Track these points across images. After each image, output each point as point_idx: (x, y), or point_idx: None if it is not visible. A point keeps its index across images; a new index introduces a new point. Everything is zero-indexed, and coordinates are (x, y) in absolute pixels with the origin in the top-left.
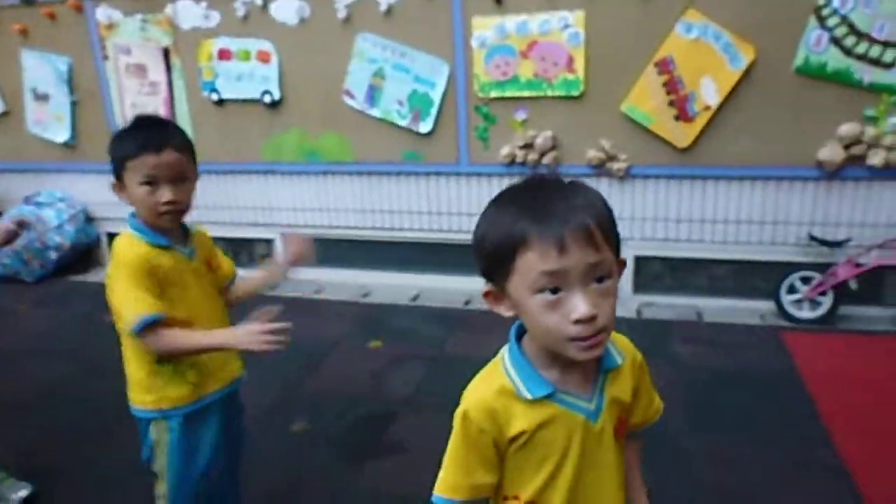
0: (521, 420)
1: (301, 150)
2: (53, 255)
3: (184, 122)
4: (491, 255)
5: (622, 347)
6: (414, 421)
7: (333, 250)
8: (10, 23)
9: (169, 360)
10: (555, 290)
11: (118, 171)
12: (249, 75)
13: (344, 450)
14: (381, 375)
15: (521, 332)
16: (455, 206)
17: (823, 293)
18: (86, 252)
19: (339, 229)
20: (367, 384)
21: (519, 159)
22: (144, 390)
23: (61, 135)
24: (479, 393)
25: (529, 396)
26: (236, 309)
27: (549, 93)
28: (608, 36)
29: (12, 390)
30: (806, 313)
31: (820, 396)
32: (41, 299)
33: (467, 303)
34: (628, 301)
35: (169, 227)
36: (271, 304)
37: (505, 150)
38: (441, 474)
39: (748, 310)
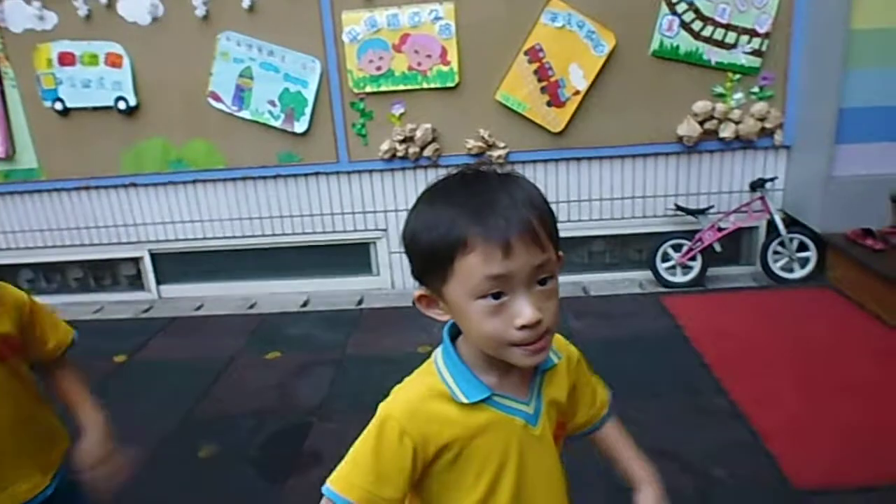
0: (453, 427)
1: (165, 160)
2: None
3: (23, 135)
4: (425, 257)
5: (558, 346)
6: (330, 427)
7: (210, 263)
8: None
9: None
10: (497, 295)
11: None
12: (99, 81)
13: (262, 469)
14: (286, 386)
15: (454, 333)
16: (338, 206)
17: (693, 258)
18: None
19: (215, 240)
20: (273, 397)
21: (400, 153)
22: None
23: None
24: (407, 395)
25: (466, 400)
26: None
27: (425, 85)
28: (479, 27)
29: None
30: (679, 278)
31: (705, 350)
32: None
33: (360, 302)
34: None
35: None
36: (143, 331)
37: (385, 146)
38: (340, 467)
39: (629, 280)
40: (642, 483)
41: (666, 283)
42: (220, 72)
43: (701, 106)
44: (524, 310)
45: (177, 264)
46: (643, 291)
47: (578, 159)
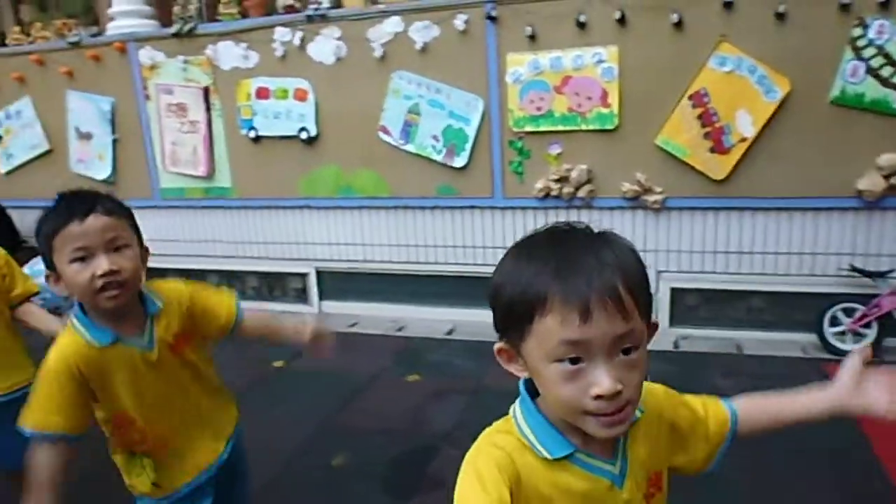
0: (539, 482)
1: (337, 186)
2: None
3: (222, 157)
4: (505, 311)
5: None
6: (455, 455)
7: (368, 284)
8: (57, 65)
9: (132, 456)
10: (574, 360)
11: (48, 258)
12: (287, 113)
13: (386, 485)
14: (421, 409)
15: (533, 386)
16: (490, 240)
17: (867, 325)
18: None
19: (374, 263)
20: (407, 418)
21: (554, 193)
22: (125, 475)
23: (102, 172)
24: (491, 441)
25: (548, 456)
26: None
27: (584, 127)
28: (642, 70)
29: None
30: (850, 345)
31: (870, 427)
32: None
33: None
34: (665, 334)
35: (112, 309)
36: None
37: (539, 184)
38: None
39: (789, 342)
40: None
41: (833, 350)
42: (391, 107)
43: (888, 159)
44: (602, 380)
45: (338, 282)
46: (805, 356)
47: (741, 209)
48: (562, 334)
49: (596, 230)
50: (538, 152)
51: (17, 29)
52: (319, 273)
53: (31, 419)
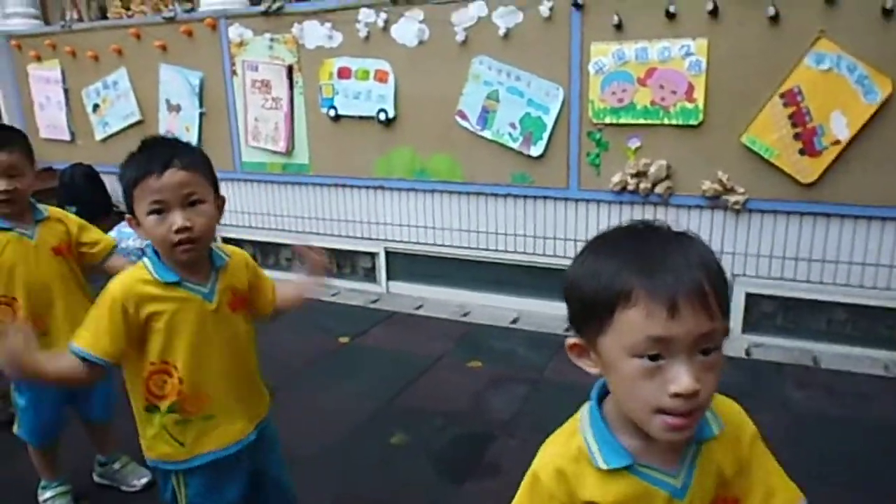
0: (594, 490)
1: (411, 168)
2: None
3: (301, 135)
4: (584, 304)
5: (723, 413)
6: (513, 444)
7: (436, 267)
8: (152, 39)
9: (152, 411)
10: (655, 357)
11: (129, 203)
12: (366, 94)
13: (443, 466)
14: (481, 395)
15: (603, 393)
16: (562, 231)
17: None
18: None
19: (444, 247)
20: (467, 403)
21: (630, 187)
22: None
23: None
24: (552, 453)
25: (605, 466)
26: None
27: (666, 121)
28: (731, 65)
29: None
30: None
31: None
32: None
33: (567, 329)
34: (736, 340)
35: (185, 261)
36: (368, 319)
37: (616, 178)
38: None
39: (870, 358)
40: None
41: None
42: (470, 93)
43: None
44: (682, 377)
45: (406, 263)
46: (886, 374)
47: (828, 215)
48: (647, 329)
49: (676, 230)
50: (617, 145)
51: (117, 3)
52: (389, 253)
53: (82, 339)
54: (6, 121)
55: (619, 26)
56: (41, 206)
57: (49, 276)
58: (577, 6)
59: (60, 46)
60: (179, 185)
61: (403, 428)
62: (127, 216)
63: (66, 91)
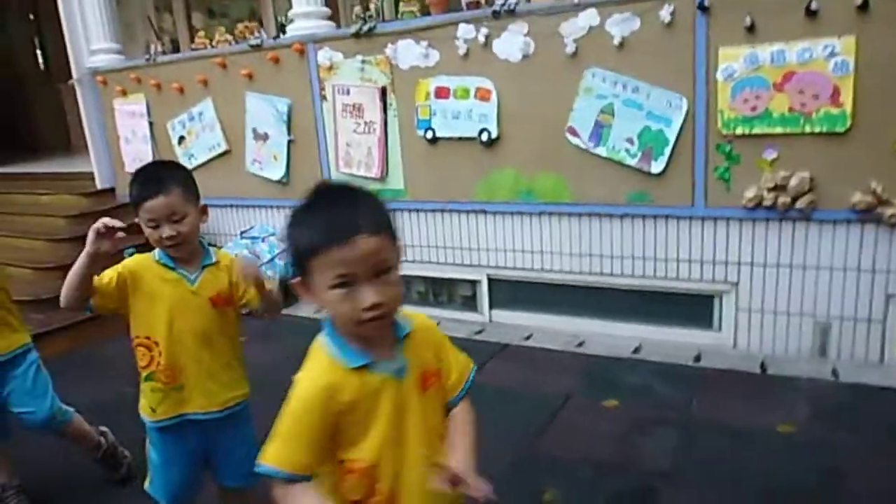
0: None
1: (515, 190)
2: None
3: (395, 159)
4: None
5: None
6: (680, 499)
7: (543, 294)
8: (238, 68)
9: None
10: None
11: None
12: (467, 113)
13: None
14: (628, 440)
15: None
16: (685, 252)
17: None
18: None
19: (552, 272)
20: (614, 450)
21: (767, 203)
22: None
23: (276, 173)
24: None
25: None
26: None
27: (807, 129)
28: (885, 65)
29: None
30: None
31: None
32: (259, 331)
33: (698, 359)
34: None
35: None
36: (479, 353)
37: (750, 193)
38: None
39: None
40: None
41: None
42: (582, 107)
43: None
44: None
45: (511, 291)
46: None
47: None
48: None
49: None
50: (750, 157)
51: (201, 34)
52: (491, 280)
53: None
54: (92, 156)
55: (751, 28)
56: (212, 250)
57: (200, 328)
58: (703, 9)
59: (145, 80)
60: (368, 253)
61: (553, 482)
62: (293, 281)
63: (150, 124)
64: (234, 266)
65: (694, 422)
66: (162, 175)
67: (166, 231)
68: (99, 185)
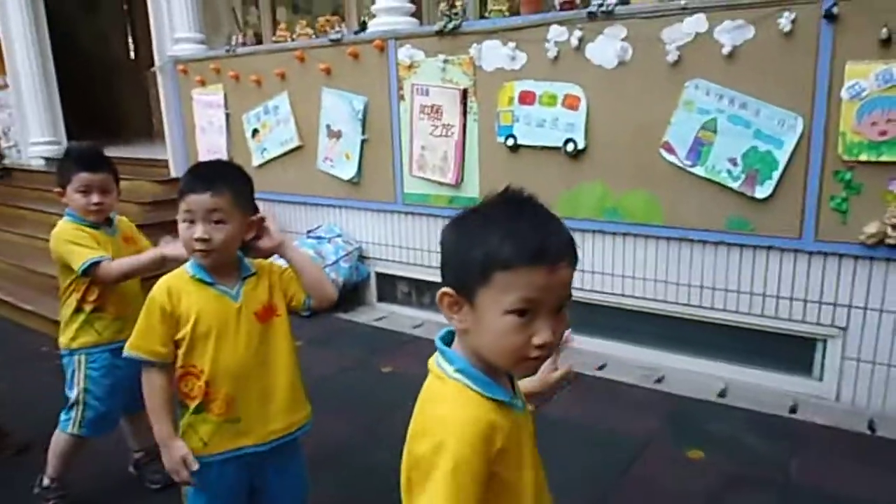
0: (502, 430)
1: (601, 207)
2: None
3: (472, 165)
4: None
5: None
6: None
7: (621, 321)
8: (316, 62)
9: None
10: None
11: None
12: (552, 121)
13: None
14: (717, 500)
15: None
16: (787, 289)
17: None
18: (354, 290)
19: (634, 298)
20: None
21: (890, 240)
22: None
23: (347, 172)
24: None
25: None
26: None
27: None
28: None
29: None
30: None
31: None
32: (316, 337)
33: (793, 410)
34: None
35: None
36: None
37: (871, 228)
38: None
39: None
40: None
41: None
42: (680, 122)
43: None
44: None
45: (585, 314)
46: None
47: None
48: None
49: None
50: (873, 188)
51: (283, 26)
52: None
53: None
54: (168, 144)
55: (887, 41)
56: (247, 261)
57: (252, 348)
58: (830, 17)
59: (224, 71)
60: (562, 284)
61: None
62: (445, 290)
63: (227, 115)
64: (272, 269)
65: (793, 487)
66: (217, 172)
67: (199, 231)
68: (173, 174)
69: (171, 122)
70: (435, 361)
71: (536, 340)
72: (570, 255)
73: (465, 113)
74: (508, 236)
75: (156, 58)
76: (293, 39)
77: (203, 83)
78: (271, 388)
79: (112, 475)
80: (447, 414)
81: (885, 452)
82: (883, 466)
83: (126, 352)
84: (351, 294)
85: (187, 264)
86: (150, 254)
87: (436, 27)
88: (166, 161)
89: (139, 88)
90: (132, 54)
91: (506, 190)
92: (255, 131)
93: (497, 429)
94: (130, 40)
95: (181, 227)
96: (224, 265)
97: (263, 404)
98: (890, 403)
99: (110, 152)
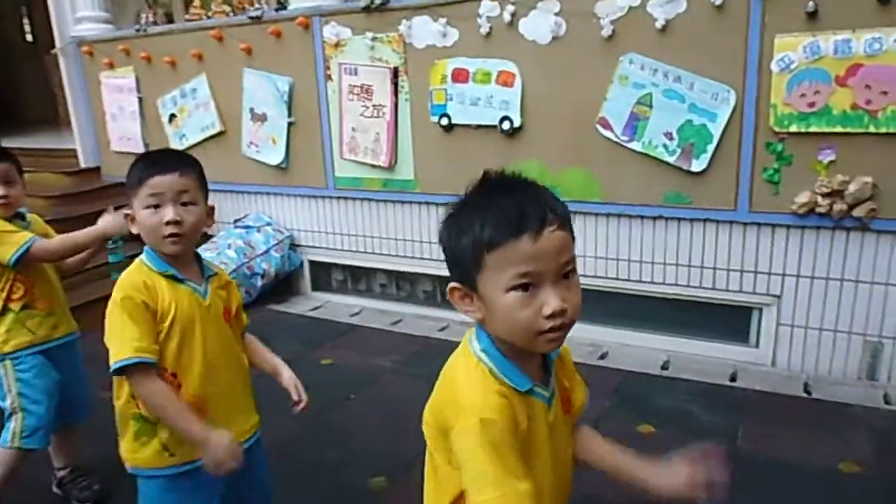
0: (521, 418)
1: None
2: (259, 283)
3: (405, 147)
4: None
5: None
6: None
7: None
8: (236, 42)
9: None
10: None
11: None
12: (487, 100)
13: None
14: None
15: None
16: (723, 260)
17: None
18: (286, 280)
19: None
20: None
21: (820, 209)
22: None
23: (275, 157)
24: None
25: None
26: None
27: (872, 129)
28: None
29: None
30: None
31: None
32: (249, 330)
33: (733, 378)
34: None
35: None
36: None
37: (802, 198)
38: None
39: None
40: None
41: None
42: (616, 97)
43: None
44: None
45: None
46: None
47: None
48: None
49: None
50: (803, 158)
51: (197, 3)
52: None
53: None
54: (76, 132)
55: (813, 14)
56: (206, 261)
57: (220, 348)
58: None
59: (135, 52)
60: (556, 249)
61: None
62: (451, 286)
63: (140, 100)
64: (224, 274)
65: (742, 456)
66: (175, 156)
67: (170, 213)
68: (83, 164)
69: (78, 108)
70: (469, 336)
71: (546, 311)
72: (556, 219)
73: (396, 92)
74: (488, 217)
75: (56, 39)
76: (208, 17)
77: (111, 66)
78: (237, 389)
79: (34, 497)
80: (460, 395)
81: (825, 415)
82: (825, 429)
83: (136, 358)
84: (284, 284)
85: (144, 258)
86: (89, 229)
87: (362, 3)
88: (74, 150)
89: (39, 73)
90: (29, 36)
91: (484, 175)
92: (172, 116)
93: (516, 416)
94: (26, 21)
95: (143, 213)
96: (188, 260)
97: (230, 406)
98: (822, 366)
99: (11, 143)
